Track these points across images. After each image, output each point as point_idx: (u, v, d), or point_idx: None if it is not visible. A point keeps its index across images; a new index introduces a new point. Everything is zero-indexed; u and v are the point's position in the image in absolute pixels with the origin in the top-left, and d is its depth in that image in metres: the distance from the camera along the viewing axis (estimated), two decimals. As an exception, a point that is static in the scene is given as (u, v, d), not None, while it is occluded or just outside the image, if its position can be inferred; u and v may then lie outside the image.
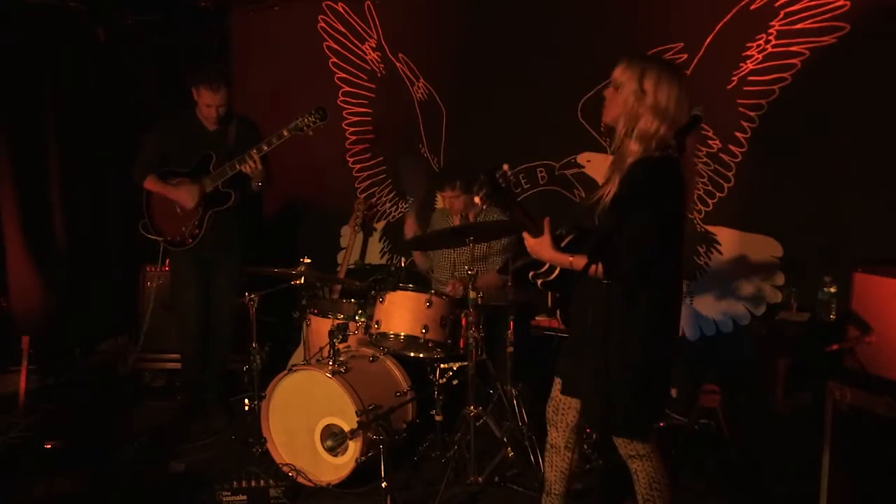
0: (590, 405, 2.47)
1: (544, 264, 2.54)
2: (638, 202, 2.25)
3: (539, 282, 2.61)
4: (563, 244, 2.50)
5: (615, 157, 2.42)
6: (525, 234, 2.50)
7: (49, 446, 3.64)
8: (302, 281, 3.80)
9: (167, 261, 4.46)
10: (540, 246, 2.47)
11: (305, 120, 3.77)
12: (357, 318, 3.90)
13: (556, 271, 2.54)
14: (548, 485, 2.76)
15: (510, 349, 3.62)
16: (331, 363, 3.43)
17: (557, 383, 2.65)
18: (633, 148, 2.34)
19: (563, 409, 2.63)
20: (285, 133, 3.78)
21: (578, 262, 2.38)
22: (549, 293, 2.66)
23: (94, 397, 4.50)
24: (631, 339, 2.33)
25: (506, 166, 2.39)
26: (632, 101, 2.34)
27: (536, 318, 4.13)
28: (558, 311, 2.69)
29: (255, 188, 3.97)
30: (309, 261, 3.83)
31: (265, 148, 3.81)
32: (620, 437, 2.47)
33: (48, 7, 4.79)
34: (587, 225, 2.55)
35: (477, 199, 2.32)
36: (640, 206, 2.23)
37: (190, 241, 3.99)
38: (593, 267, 2.21)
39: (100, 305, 5.02)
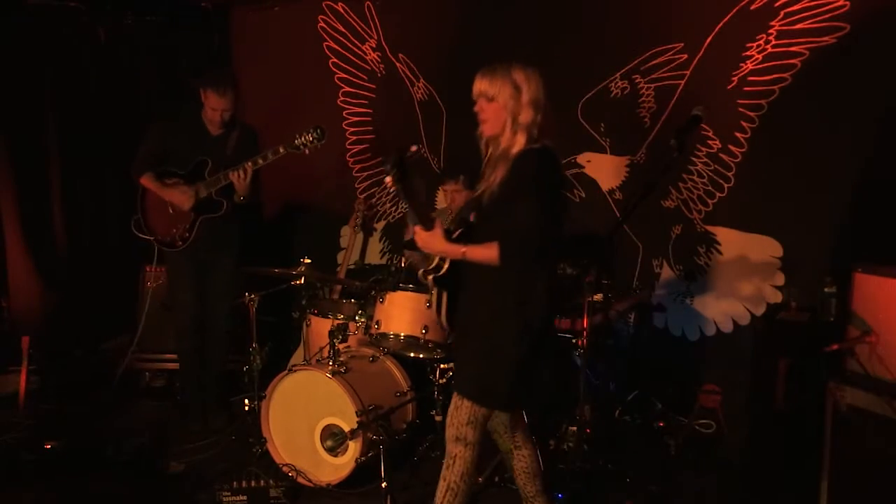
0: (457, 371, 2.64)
1: (433, 262, 2.64)
2: (527, 188, 2.40)
3: (430, 278, 2.65)
4: (453, 237, 2.57)
5: (497, 154, 2.52)
6: (417, 229, 2.57)
7: (49, 446, 3.63)
8: (302, 281, 3.80)
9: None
10: (432, 238, 2.54)
11: (303, 138, 3.67)
12: (357, 318, 3.90)
13: (446, 266, 2.60)
14: (521, 492, 2.84)
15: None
16: (331, 363, 3.44)
17: None
18: (519, 139, 2.47)
19: (494, 414, 2.67)
20: (281, 150, 3.70)
21: (471, 252, 2.48)
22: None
23: (95, 397, 4.49)
24: (503, 315, 2.46)
25: (414, 147, 2.52)
26: (511, 102, 2.48)
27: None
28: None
29: (237, 201, 3.90)
30: (309, 261, 3.82)
31: (260, 161, 3.75)
32: (464, 407, 2.51)
33: (48, 7, 4.79)
34: (473, 220, 2.63)
35: (388, 180, 2.44)
36: (529, 193, 2.39)
37: (180, 243, 3.97)
38: (487, 252, 2.40)
39: (100, 305, 5.01)
